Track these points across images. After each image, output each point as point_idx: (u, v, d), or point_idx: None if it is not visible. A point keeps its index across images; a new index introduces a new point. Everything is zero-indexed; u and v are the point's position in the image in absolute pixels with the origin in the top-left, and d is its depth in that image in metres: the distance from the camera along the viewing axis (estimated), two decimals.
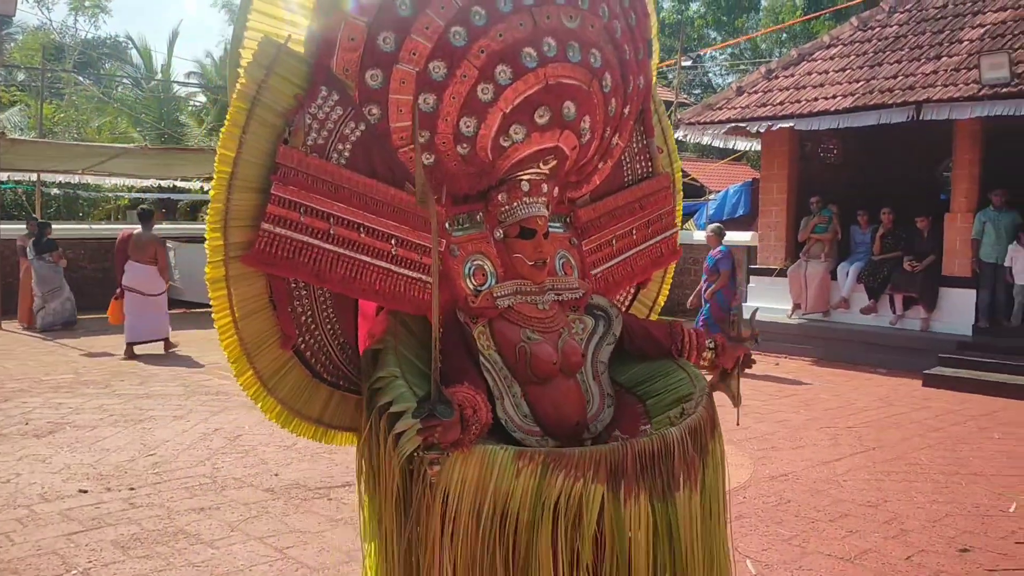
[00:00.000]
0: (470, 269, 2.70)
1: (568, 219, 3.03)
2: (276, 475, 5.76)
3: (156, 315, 10.91)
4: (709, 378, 2.89)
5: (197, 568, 4.21)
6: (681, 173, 3.59)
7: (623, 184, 3.22)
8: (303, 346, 2.65)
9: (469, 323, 2.63)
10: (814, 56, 12.56)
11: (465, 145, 2.59)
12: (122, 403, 7.98)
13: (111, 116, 27.77)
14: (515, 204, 2.73)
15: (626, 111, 2.93)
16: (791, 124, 11.63)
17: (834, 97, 11.23)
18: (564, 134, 2.67)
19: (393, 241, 2.59)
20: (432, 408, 2.02)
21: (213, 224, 2.43)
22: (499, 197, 2.72)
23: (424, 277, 2.62)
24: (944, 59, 10.74)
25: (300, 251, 2.46)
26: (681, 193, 3.57)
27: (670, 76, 25.75)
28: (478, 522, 2.17)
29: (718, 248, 10.16)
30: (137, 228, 11.10)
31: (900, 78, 10.87)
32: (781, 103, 11.81)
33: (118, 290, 10.87)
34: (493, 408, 2.44)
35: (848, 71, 11.68)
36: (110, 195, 25.48)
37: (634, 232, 3.21)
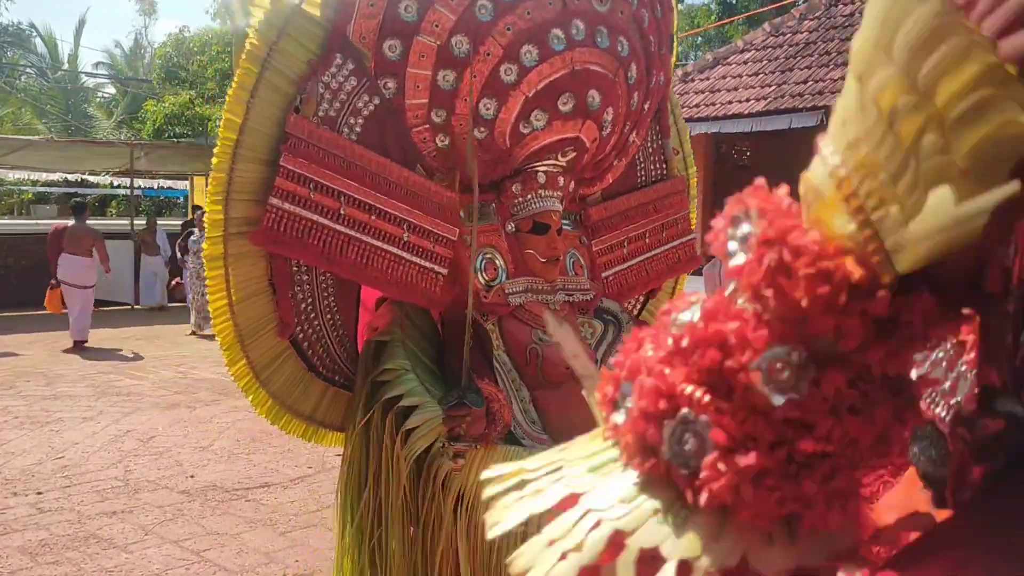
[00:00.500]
0: (482, 262, 2.55)
1: (578, 217, 2.91)
2: (192, 477, 5.64)
3: (88, 309, 10.83)
4: None
5: (110, 573, 4.10)
6: (696, 179, 3.48)
7: (636, 185, 3.10)
8: (301, 336, 2.49)
9: (480, 320, 2.48)
10: (728, 60, 12.85)
11: (483, 129, 2.43)
12: (27, 405, 7.69)
13: (14, 107, 26.70)
14: (529, 196, 2.58)
15: (646, 107, 2.82)
16: (706, 127, 11.88)
17: (747, 101, 11.52)
18: (586, 124, 2.54)
19: (405, 227, 2.42)
20: (462, 396, 1.94)
21: (215, 196, 2.26)
22: (513, 188, 2.58)
23: (437, 268, 2.47)
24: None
25: (310, 231, 2.28)
26: (697, 199, 3.48)
27: None
28: None
29: None
30: (70, 221, 10.96)
31: (810, 83, 11.22)
32: (697, 106, 12.06)
33: (53, 281, 10.76)
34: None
35: (761, 75, 11.99)
36: (13, 188, 24.49)
37: (647, 236, 3.07)
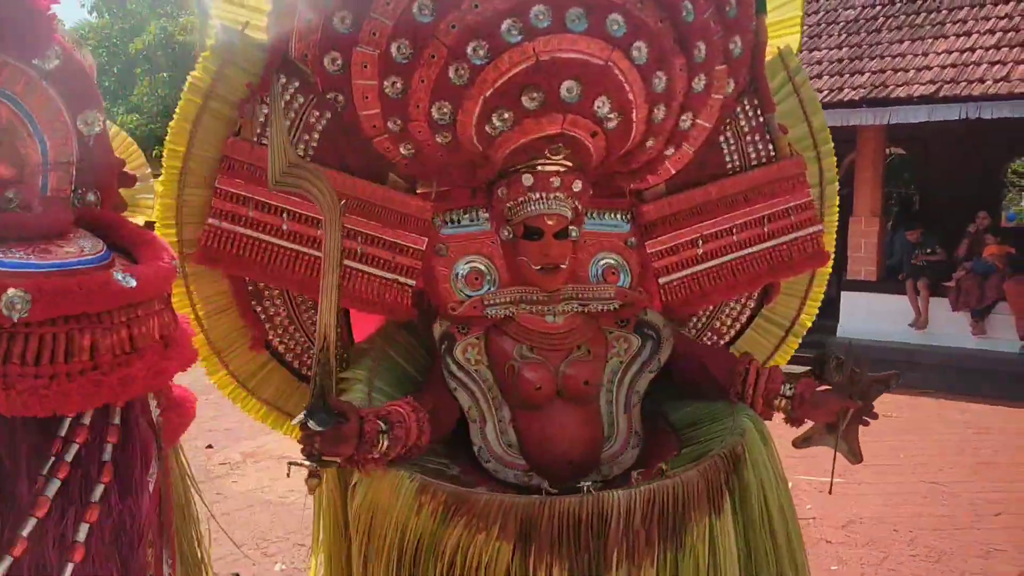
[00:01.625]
0: (462, 271, 2.41)
1: (629, 215, 2.60)
2: None
3: None
4: (801, 432, 2.41)
5: None
6: (834, 158, 2.93)
7: (724, 172, 2.69)
8: (283, 348, 2.51)
9: (456, 332, 2.36)
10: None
11: (445, 134, 2.29)
12: None
13: None
14: (519, 200, 2.36)
15: (698, 85, 2.41)
16: (873, 116, 9.96)
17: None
18: (570, 119, 2.23)
19: (359, 239, 2.37)
20: (306, 415, 1.82)
21: (166, 220, 2.32)
22: (499, 192, 2.39)
23: (401, 279, 2.40)
24: None
25: (249, 247, 2.31)
26: (835, 185, 2.95)
27: None
28: (385, 552, 1.97)
29: None
30: None
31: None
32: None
33: None
34: (473, 432, 2.29)
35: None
36: None
37: (736, 231, 2.66)
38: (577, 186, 2.37)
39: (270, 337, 2.51)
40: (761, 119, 2.71)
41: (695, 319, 2.85)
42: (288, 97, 2.34)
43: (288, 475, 1.91)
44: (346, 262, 2.28)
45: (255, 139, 2.31)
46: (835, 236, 2.96)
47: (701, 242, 2.64)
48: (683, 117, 2.45)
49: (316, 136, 2.37)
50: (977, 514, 5.21)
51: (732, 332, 2.91)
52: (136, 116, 15.01)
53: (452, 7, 2.17)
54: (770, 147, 2.72)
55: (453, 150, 2.32)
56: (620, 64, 2.19)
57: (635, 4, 2.20)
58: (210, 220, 2.30)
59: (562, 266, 2.35)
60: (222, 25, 2.33)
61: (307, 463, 1.86)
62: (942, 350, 9.35)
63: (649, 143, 2.42)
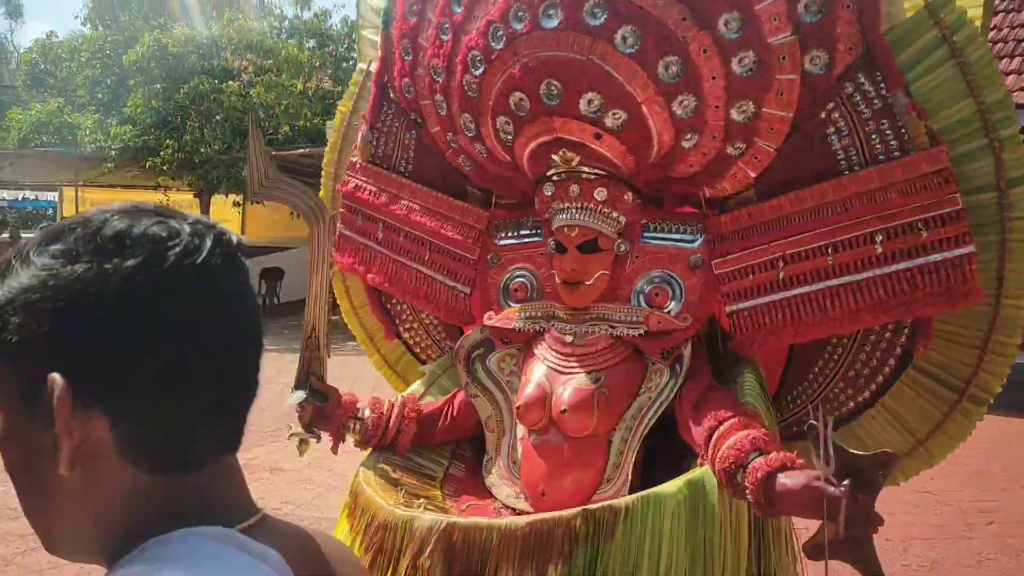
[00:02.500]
0: (510, 282, 2.46)
1: (702, 229, 2.27)
2: None
3: None
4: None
5: None
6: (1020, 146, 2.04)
7: (836, 171, 2.12)
8: (411, 341, 2.84)
9: (499, 342, 2.41)
10: None
11: (478, 146, 2.39)
12: None
13: None
14: (545, 211, 2.31)
15: (743, 65, 2.02)
16: None
17: None
18: (559, 122, 2.12)
19: (428, 247, 2.61)
20: (293, 391, 2.29)
21: (330, 232, 2.59)
22: (535, 203, 2.34)
23: (458, 286, 2.56)
24: None
25: (357, 251, 2.75)
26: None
27: None
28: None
29: None
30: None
31: None
32: None
33: None
34: (488, 441, 2.37)
35: None
36: None
37: (832, 251, 2.08)
38: (601, 195, 2.19)
39: (401, 330, 2.85)
40: (881, 100, 2.06)
41: (816, 366, 2.33)
42: (389, 121, 2.68)
43: (288, 437, 2.40)
44: (414, 265, 2.63)
45: (368, 160, 2.71)
46: None
47: (782, 263, 2.13)
48: (738, 106, 2.07)
49: (412, 154, 2.67)
50: (969, 523, 5.22)
51: (873, 385, 2.26)
52: (130, 128, 14.98)
53: (464, 23, 2.22)
54: (902, 135, 2.04)
55: (492, 161, 2.39)
56: (606, 56, 2.02)
57: None
58: (340, 228, 2.76)
59: (585, 282, 2.22)
60: (360, 67, 2.80)
61: (299, 432, 2.33)
62: None
63: (688, 141, 2.12)
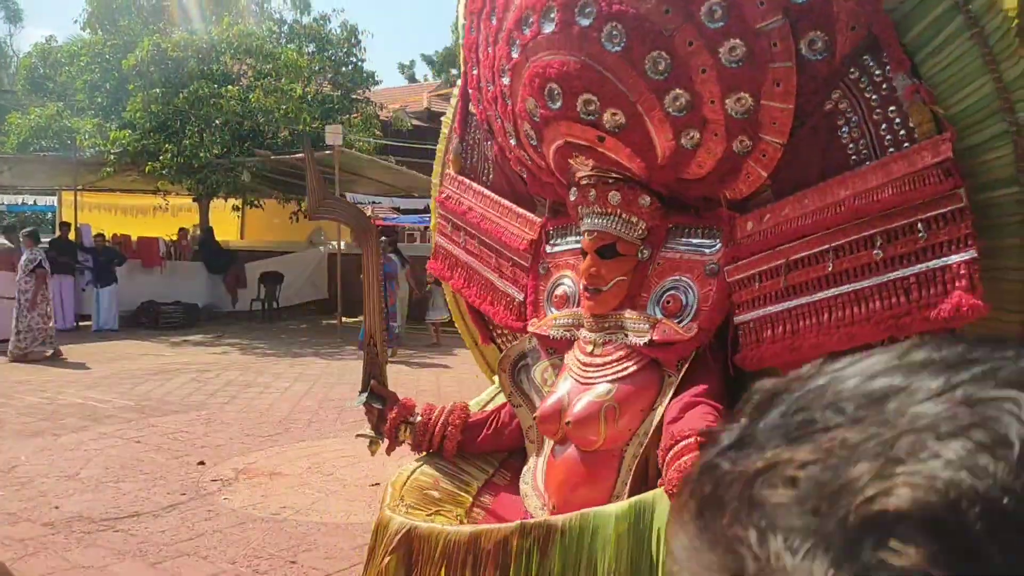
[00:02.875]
0: (554, 289, 2.48)
1: (721, 233, 2.17)
2: (56, 508, 5.35)
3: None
4: None
5: None
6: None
7: (847, 166, 1.94)
8: (503, 346, 2.83)
9: (543, 351, 2.43)
10: None
11: (523, 152, 2.46)
12: None
13: None
14: (576, 217, 2.34)
15: (731, 56, 1.90)
16: None
17: None
18: (564, 126, 2.13)
19: (496, 253, 2.69)
20: (359, 395, 2.49)
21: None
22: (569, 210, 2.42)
23: (514, 291, 2.63)
24: None
25: (446, 257, 2.89)
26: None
27: None
28: None
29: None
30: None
31: None
32: None
33: None
34: (528, 451, 2.41)
35: None
36: None
37: (831, 257, 1.91)
38: (615, 198, 2.16)
39: (495, 335, 2.92)
40: (886, 85, 1.87)
41: None
42: (475, 135, 2.80)
43: (356, 437, 2.60)
44: (484, 270, 2.74)
45: (458, 171, 2.82)
46: None
47: (785, 270, 1.98)
48: (734, 100, 1.95)
49: (489, 165, 2.77)
50: None
51: None
52: (129, 132, 14.98)
53: (497, 33, 2.31)
54: (906, 125, 1.85)
55: (536, 168, 2.46)
56: (596, 55, 1.97)
57: None
58: (435, 236, 2.93)
59: (603, 288, 2.19)
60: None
61: (367, 433, 2.48)
62: None
63: (690, 139, 2.03)
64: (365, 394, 2.49)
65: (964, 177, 1.76)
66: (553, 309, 2.43)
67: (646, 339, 2.13)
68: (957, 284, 1.73)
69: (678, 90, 1.96)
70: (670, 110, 1.99)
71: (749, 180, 2.06)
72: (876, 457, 0.35)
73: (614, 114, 2.03)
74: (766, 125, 1.96)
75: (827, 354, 1.38)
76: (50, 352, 11.29)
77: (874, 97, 1.88)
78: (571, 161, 2.20)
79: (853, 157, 1.93)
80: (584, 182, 2.23)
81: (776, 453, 0.37)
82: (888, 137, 1.87)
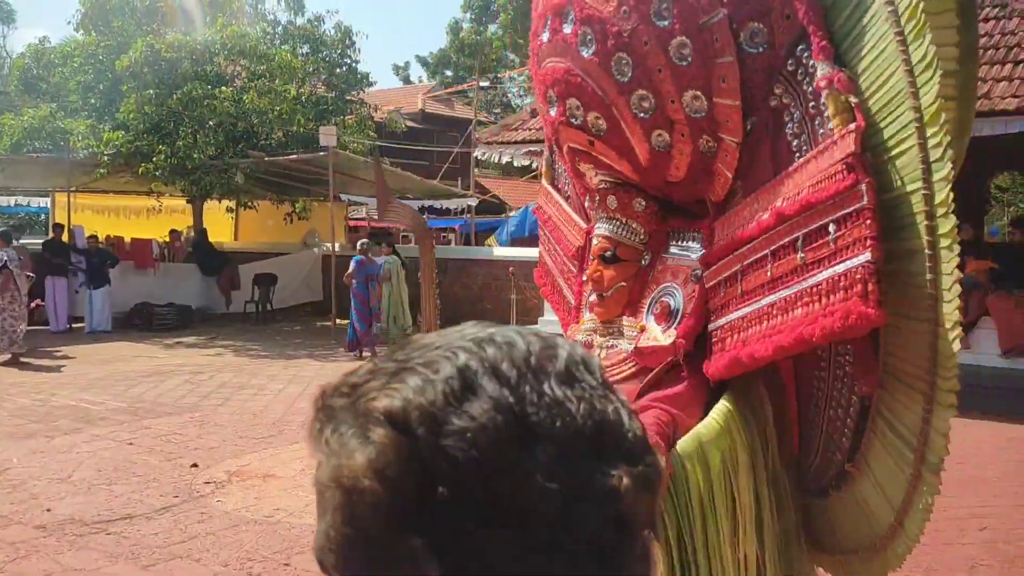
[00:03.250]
0: (588, 295, 2.48)
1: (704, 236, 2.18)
2: (48, 510, 5.33)
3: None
4: None
5: None
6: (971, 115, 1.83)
7: (792, 162, 1.88)
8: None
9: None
10: None
11: (561, 159, 2.60)
12: None
13: None
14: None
15: (680, 53, 1.90)
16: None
17: None
18: (562, 129, 2.20)
19: (561, 259, 2.76)
20: None
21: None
22: None
23: (568, 296, 2.72)
24: None
25: (541, 264, 2.97)
26: (946, 170, 1.59)
27: (469, 95, 26.21)
28: None
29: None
30: None
31: None
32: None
33: None
34: None
35: None
36: None
37: (771, 260, 1.85)
38: (612, 203, 2.22)
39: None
40: (813, 82, 1.79)
41: (810, 419, 2.05)
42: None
43: None
44: (556, 274, 2.82)
45: (549, 182, 2.90)
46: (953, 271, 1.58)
47: (740, 276, 1.93)
48: (690, 98, 1.94)
49: (564, 176, 2.79)
50: (962, 529, 5.22)
51: (845, 440, 1.93)
52: (122, 133, 14.94)
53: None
54: (827, 123, 1.76)
55: (571, 173, 2.55)
56: (578, 60, 2.01)
57: None
58: (540, 245, 2.99)
59: (605, 294, 2.21)
60: None
61: None
62: None
63: (660, 140, 2.03)
64: None
65: (873, 173, 1.66)
66: (587, 313, 2.44)
67: (631, 346, 2.16)
68: (852, 291, 1.65)
69: (642, 91, 1.96)
70: (637, 112, 2.00)
71: (720, 182, 2.04)
72: (385, 378, 0.60)
73: (597, 117, 2.07)
74: (722, 124, 1.95)
75: (763, 366, 1.77)
76: (8, 356, 11.04)
77: (810, 90, 1.80)
78: (579, 167, 2.29)
79: (796, 154, 1.86)
80: (594, 187, 2.30)
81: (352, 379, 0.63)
82: (821, 131, 1.79)
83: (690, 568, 1.87)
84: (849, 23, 1.74)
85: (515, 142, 12.75)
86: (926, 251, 1.59)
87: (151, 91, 15.11)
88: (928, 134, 1.59)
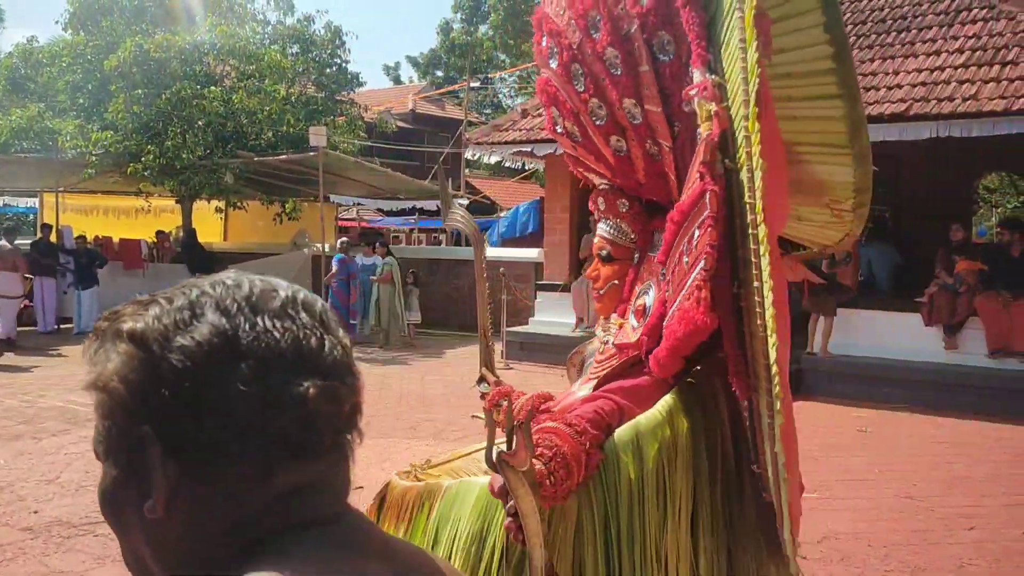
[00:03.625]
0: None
1: None
2: (35, 512, 5.31)
3: (11, 315, 12.35)
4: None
5: None
6: (851, 108, 1.93)
7: None
8: None
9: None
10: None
11: None
12: None
13: None
14: None
15: (613, 61, 2.00)
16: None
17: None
18: (555, 136, 2.38)
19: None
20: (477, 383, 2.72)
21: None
22: None
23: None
24: None
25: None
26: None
27: (460, 95, 26.21)
28: None
29: None
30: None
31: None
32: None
33: None
34: None
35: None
36: None
37: (675, 264, 1.93)
38: (601, 204, 2.34)
39: None
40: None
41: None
42: None
43: (471, 417, 2.89)
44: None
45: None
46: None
47: (666, 274, 2.01)
48: (630, 104, 2.04)
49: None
50: (950, 529, 5.24)
51: (752, 434, 1.92)
52: (111, 133, 14.89)
53: None
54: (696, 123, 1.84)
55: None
56: (551, 71, 2.20)
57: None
58: None
59: (600, 291, 2.34)
60: None
61: (480, 415, 2.49)
62: (915, 365, 9.38)
63: (617, 144, 2.15)
64: (482, 383, 2.69)
65: (721, 181, 1.68)
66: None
67: (609, 344, 2.24)
68: (694, 296, 1.72)
69: (595, 99, 2.09)
70: (595, 119, 2.12)
71: (671, 183, 2.10)
72: (137, 306, 0.77)
73: (572, 125, 2.21)
74: (656, 129, 2.04)
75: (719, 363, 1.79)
76: None
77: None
78: (576, 171, 2.39)
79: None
80: (603, 187, 2.38)
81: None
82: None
83: (613, 553, 1.90)
84: (723, 29, 1.76)
85: (505, 142, 12.73)
86: (752, 259, 1.58)
87: (140, 91, 15.06)
88: (737, 139, 1.62)
